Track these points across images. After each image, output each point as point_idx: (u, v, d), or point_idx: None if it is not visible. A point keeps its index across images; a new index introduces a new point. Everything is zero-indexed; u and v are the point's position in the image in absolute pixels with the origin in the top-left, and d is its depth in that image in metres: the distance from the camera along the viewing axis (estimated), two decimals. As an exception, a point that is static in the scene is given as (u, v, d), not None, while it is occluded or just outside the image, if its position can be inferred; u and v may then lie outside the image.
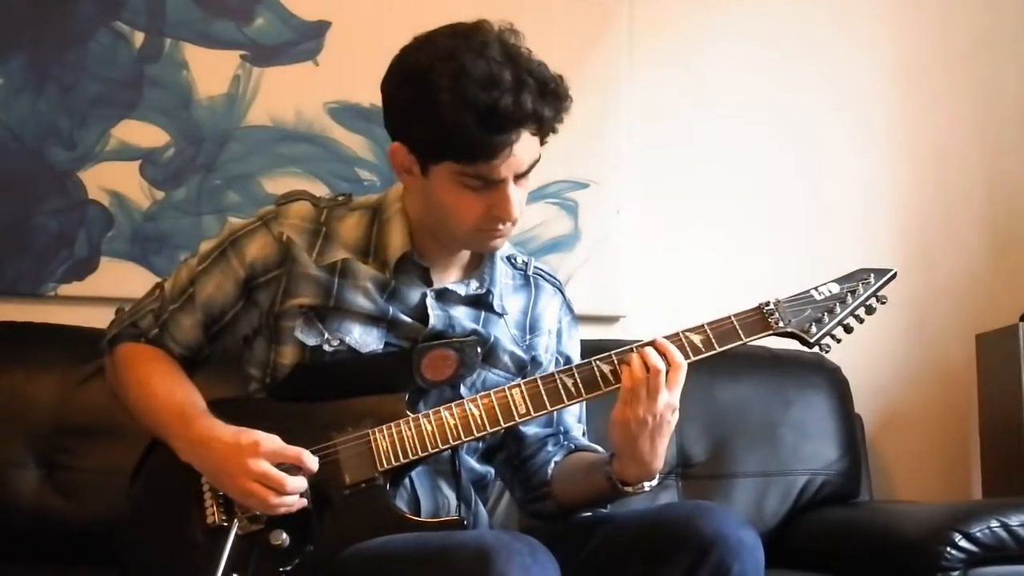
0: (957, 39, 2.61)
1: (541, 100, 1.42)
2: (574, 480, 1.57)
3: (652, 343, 1.45)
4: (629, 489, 1.48)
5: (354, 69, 2.39)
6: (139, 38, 2.41)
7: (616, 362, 1.46)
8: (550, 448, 1.63)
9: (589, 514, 1.59)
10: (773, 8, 2.57)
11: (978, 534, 1.77)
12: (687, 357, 1.47)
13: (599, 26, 2.49)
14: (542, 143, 1.48)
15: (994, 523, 1.78)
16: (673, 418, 1.44)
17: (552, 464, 1.61)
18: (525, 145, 1.43)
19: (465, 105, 1.38)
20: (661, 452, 1.46)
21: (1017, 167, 2.60)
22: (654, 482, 1.49)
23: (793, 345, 1.87)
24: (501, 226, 1.49)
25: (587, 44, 2.46)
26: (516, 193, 1.46)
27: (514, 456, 1.65)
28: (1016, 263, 2.58)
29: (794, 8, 2.58)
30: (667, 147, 2.54)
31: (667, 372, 1.42)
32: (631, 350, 1.45)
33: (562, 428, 1.65)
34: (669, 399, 1.43)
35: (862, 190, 2.58)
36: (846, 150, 2.58)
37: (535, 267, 1.69)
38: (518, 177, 1.46)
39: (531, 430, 1.63)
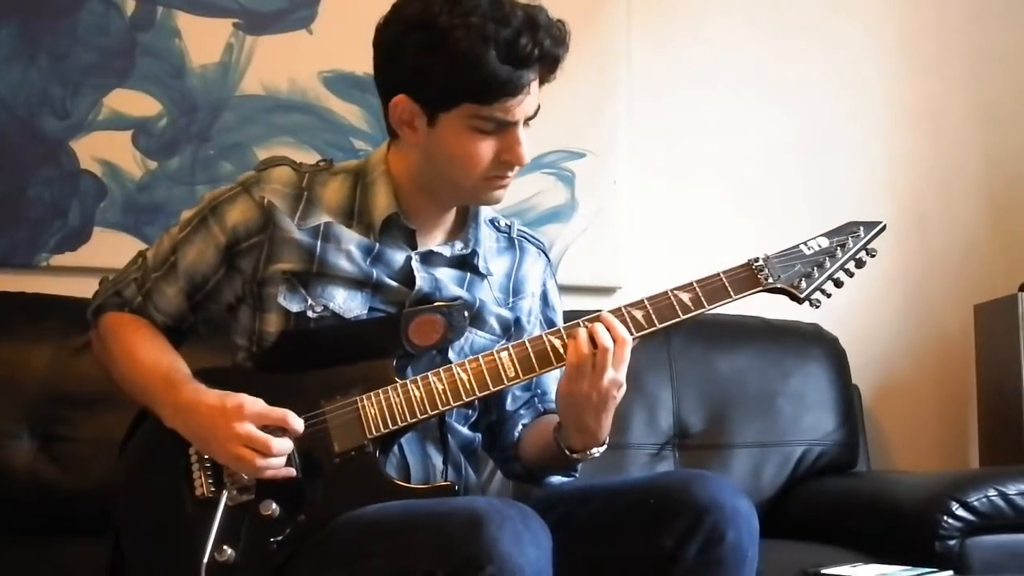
0: (953, 10, 2.59)
1: (553, 42, 1.43)
2: (535, 442, 1.58)
3: (598, 318, 1.44)
4: (576, 456, 1.49)
5: (348, 38, 2.32)
6: (131, 6, 2.39)
7: (564, 336, 1.45)
8: (522, 411, 1.64)
9: (560, 479, 1.59)
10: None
11: (975, 503, 1.78)
12: (675, 317, 1.45)
13: (598, -6, 2.47)
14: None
15: (991, 492, 1.79)
16: (619, 393, 1.43)
17: (520, 426, 1.62)
18: (534, 88, 1.44)
19: (485, 41, 1.38)
20: (606, 424, 1.46)
21: (1013, 138, 2.59)
22: (602, 448, 1.50)
23: (791, 314, 1.87)
24: (509, 172, 1.48)
25: (587, 14, 2.43)
26: (525, 137, 1.46)
27: (494, 421, 1.65)
28: (1014, 233, 2.57)
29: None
30: (664, 117, 2.53)
31: (613, 349, 1.41)
32: (578, 324, 1.44)
33: (539, 390, 1.65)
34: (615, 376, 1.41)
35: (859, 161, 2.56)
36: (843, 121, 2.57)
37: (519, 229, 1.68)
38: (525, 123, 1.46)
39: (513, 393, 1.63)
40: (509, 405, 1.63)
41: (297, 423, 1.41)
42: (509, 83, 1.40)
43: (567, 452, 1.49)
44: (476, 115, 1.42)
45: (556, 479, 1.59)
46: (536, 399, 1.65)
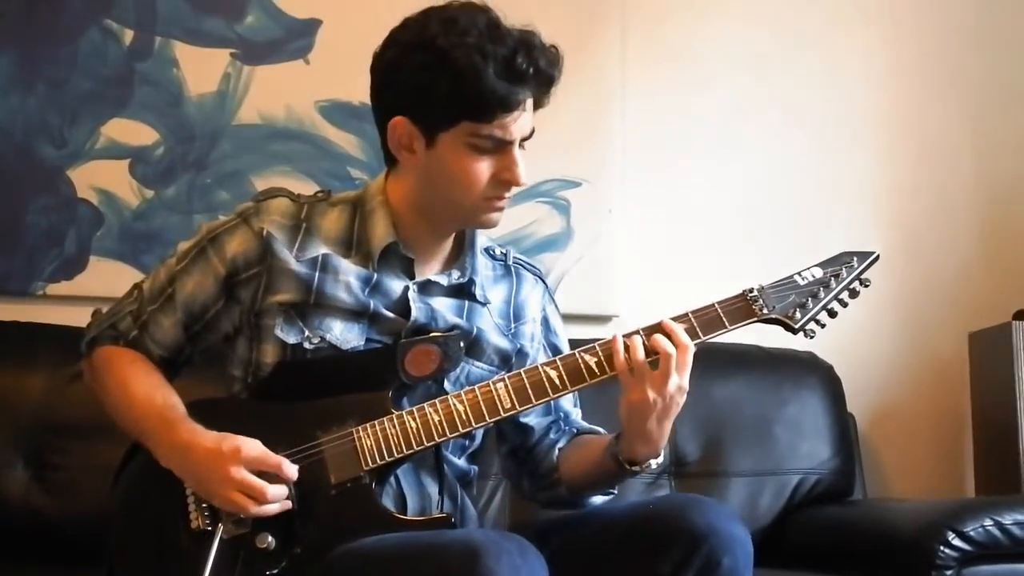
0: (950, 34, 2.60)
1: (548, 62, 1.45)
2: (581, 463, 1.58)
3: (659, 325, 1.46)
4: (636, 468, 1.49)
5: (345, 67, 2.35)
6: (129, 35, 2.41)
7: (599, 352, 1.46)
8: (552, 435, 1.64)
9: (599, 499, 1.60)
10: (765, 8, 2.57)
11: (972, 532, 1.77)
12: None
13: (592, 24, 2.49)
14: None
15: (988, 521, 1.78)
16: (682, 399, 1.45)
17: (557, 450, 1.62)
18: (529, 108, 1.46)
19: (483, 57, 1.40)
20: (667, 431, 1.48)
21: (1009, 164, 2.60)
22: (659, 460, 1.51)
23: (786, 343, 1.87)
24: (507, 193, 1.50)
25: (580, 42, 2.44)
26: (521, 158, 1.47)
27: (519, 448, 1.65)
28: (1008, 261, 2.57)
29: (786, 7, 2.58)
30: (659, 146, 2.54)
31: (676, 355, 1.42)
32: (637, 332, 1.46)
33: (561, 413, 1.66)
34: (680, 382, 1.43)
35: (853, 188, 2.58)
36: (837, 148, 2.58)
37: (515, 257, 1.68)
38: (520, 144, 1.48)
39: (533, 420, 1.63)
40: (535, 432, 1.63)
41: (291, 471, 1.41)
42: (506, 99, 1.42)
43: (627, 465, 1.49)
44: (474, 133, 1.44)
45: (596, 499, 1.60)
46: (560, 422, 1.65)
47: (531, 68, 1.42)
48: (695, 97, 2.54)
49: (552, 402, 1.58)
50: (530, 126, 1.48)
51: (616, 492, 1.61)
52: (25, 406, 2.08)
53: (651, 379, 1.42)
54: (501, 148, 1.45)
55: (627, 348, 1.44)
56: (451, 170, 1.46)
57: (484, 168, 1.46)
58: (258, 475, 1.39)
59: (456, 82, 1.40)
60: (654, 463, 1.50)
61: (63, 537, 1.99)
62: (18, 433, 2.06)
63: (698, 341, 1.47)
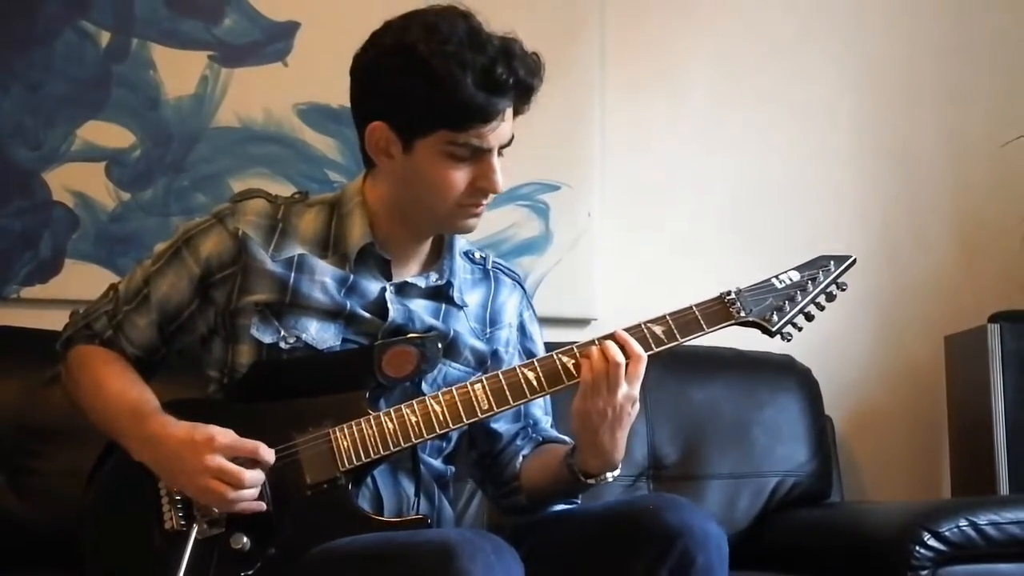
0: (921, 43, 2.62)
1: (528, 72, 1.45)
2: (541, 472, 1.57)
3: (612, 335, 1.45)
4: (591, 481, 1.48)
5: (323, 70, 2.35)
6: (106, 37, 2.39)
7: (577, 354, 1.46)
8: (519, 442, 1.63)
9: (560, 507, 1.59)
10: (742, 15, 2.59)
11: (947, 533, 1.78)
12: (648, 348, 1.46)
13: (571, 28, 2.49)
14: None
15: (963, 522, 1.79)
16: (633, 410, 1.44)
17: (521, 457, 1.61)
18: (509, 115, 1.46)
19: (462, 67, 1.40)
20: (621, 444, 1.46)
21: (983, 168, 2.62)
22: (616, 472, 1.49)
23: (764, 346, 1.88)
24: (484, 200, 1.49)
25: (560, 46, 2.44)
26: (499, 165, 1.47)
27: (486, 454, 1.64)
28: (984, 264, 2.59)
29: (762, 14, 2.59)
30: (638, 150, 2.54)
31: (627, 365, 1.42)
32: (592, 343, 1.45)
33: (530, 421, 1.65)
34: (629, 391, 1.42)
35: (831, 193, 2.59)
36: (814, 154, 2.59)
37: (494, 261, 1.68)
38: (499, 151, 1.48)
39: (502, 426, 1.63)
40: (503, 438, 1.63)
41: (268, 455, 1.40)
42: (484, 109, 1.42)
43: (581, 477, 1.48)
44: (451, 141, 1.43)
45: (558, 507, 1.58)
46: (529, 429, 1.65)
47: (511, 78, 1.42)
48: (674, 101, 2.55)
49: (522, 408, 1.58)
50: (509, 133, 1.48)
51: (579, 501, 1.59)
52: (-1, 410, 2.06)
53: (602, 389, 1.42)
54: (479, 156, 1.45)
55: (586, 356, 1.43)
56: (428, 177, 1.46)
57: (461, 176, 1.46)
58: (235, 463, 1.38)
59: (434, 91, 1.40)
60: (610, 476, 1.48)
61: (38, 542, 1.96)
62: (-8, 437, 2.04)
63: (675, 344, 1.48)
